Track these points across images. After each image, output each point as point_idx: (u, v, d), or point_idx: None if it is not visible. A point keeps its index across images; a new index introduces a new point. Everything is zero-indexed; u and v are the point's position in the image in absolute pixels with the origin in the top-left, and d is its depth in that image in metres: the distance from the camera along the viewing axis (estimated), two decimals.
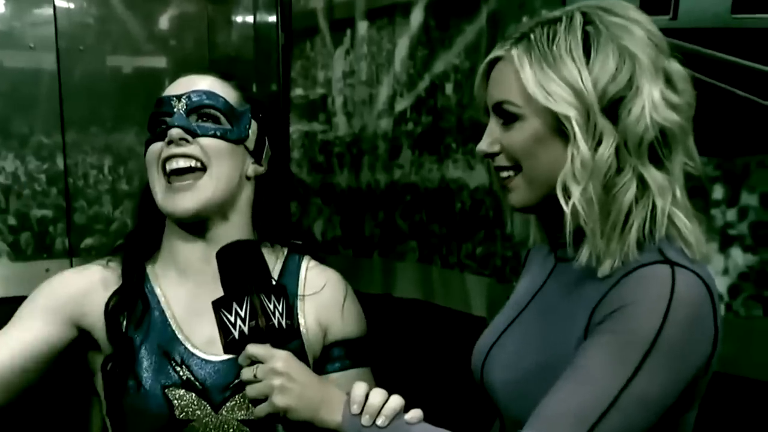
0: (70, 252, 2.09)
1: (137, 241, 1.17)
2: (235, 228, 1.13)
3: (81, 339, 1.13)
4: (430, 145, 1.95)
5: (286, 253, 1.19)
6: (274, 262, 1.17)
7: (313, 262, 1.20)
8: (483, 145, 0.95)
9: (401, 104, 2.02)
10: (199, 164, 1.09)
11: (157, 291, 1.13)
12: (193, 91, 1.11)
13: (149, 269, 1.15)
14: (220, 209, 1.12)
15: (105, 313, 1.09)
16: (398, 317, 2.00)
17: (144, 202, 1.16)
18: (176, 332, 1.09)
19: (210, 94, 1.10)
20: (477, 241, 1.83)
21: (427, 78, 1.94)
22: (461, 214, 1.86)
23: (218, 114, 1.10)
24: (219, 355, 1.05)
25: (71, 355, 1.12)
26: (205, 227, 1.12)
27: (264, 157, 1.17)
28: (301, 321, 1.14)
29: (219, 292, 0.96)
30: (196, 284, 1.11)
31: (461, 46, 1.84)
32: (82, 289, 1.13)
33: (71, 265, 1.91)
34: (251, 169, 1.15)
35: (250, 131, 1.13)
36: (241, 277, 0.94)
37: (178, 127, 1.08)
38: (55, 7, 2.08)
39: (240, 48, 2.37)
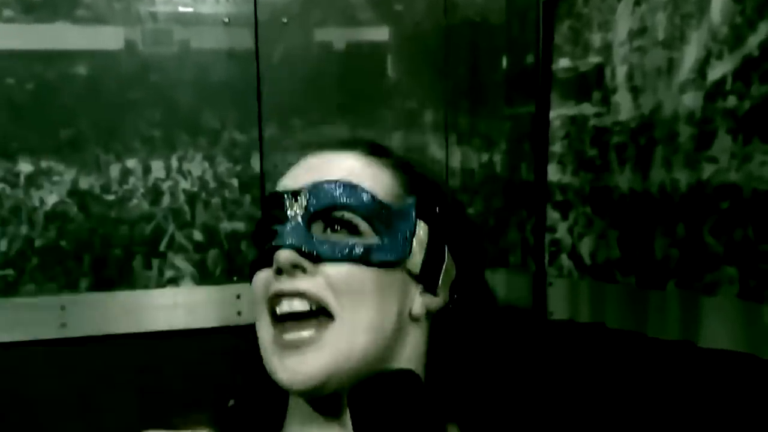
0: None
1: (248, 421, 0.82)
2: None
3: None
4: (765, 128, 1.54)
5: None
6: None
7: None
8: None
9: (718, 70, 1.63)
10: (318, 308, 0.73)
11: None
12: (317, 185, 0.76)
13: None
14: (361, 376, 0.74)
15: None
16: (706, 379, 1.63)
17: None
18: None
19: (346, 188, 0.75)
20: None
21: (765, 28, 1.53)
22: None
23: (359, 220, 0.75)
24: None
25: None
26: (338, 401, 0.75)
27: (442, 280, 0.78)
28: None
29: None
30: None
31: None
32: None
33: None
34: (419, 303, 0.77)
35: (414, 243, 0.77)
36: None
37: (289, 247, 0.73)
38: None
39: (486, 10, 2.06)
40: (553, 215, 1.91)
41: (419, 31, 1.98)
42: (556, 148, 1.95)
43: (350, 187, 0.75)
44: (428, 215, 0.78)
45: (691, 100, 1.69)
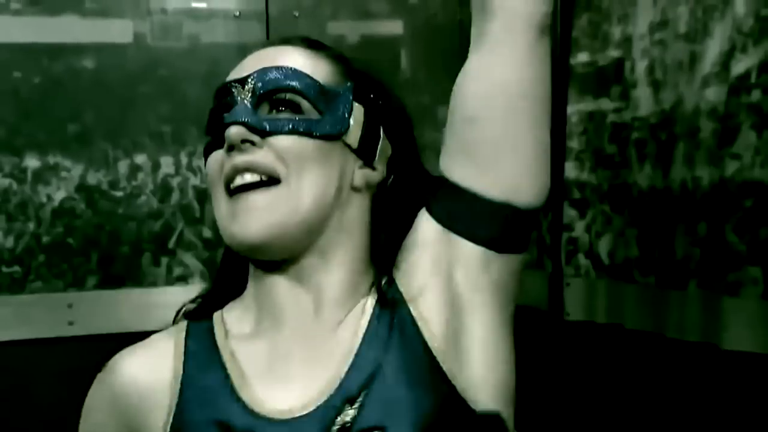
0: None
1: (214, 299, 0.95)
2: (339, 265, 0.88)
3: None
4: None
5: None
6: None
7: None
8: None
9: (742, 64, 1.59)
10: (268, 178, 0.84)
11: (222, 352, 0.89)
12: (262, 70, 0.86)
13: (216, 323, 0.92)
14: (310, 237, 0.86)
15: None
16: (729, 382, 1.59)
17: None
18: (241, 397, 0.85)
19: (289, 72, 0.86)
20: None
21: None
22: None
23: (301, 99, 0.86)
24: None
25: None
26: (295, 264, 0.86)
27: (378, 156, 0.90)
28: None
29: (309, 353, 0.83)
30: (279, 340, 0.87)
31: None
32: (149, 385, 0.90)
33: None
34: (359, 175, 0.89)
35: (351, 121, 0.88)
36: None
37: (239, 123, 0.83)
38: None
39: None
40: (570, 213, 1.88)
41: (433, 25, 1.96)
42: (574, 144, 1.93)
43: (293, 72, 0.84)
44: (364, 98, 0.88)
45: (714, 94, 1.64)
